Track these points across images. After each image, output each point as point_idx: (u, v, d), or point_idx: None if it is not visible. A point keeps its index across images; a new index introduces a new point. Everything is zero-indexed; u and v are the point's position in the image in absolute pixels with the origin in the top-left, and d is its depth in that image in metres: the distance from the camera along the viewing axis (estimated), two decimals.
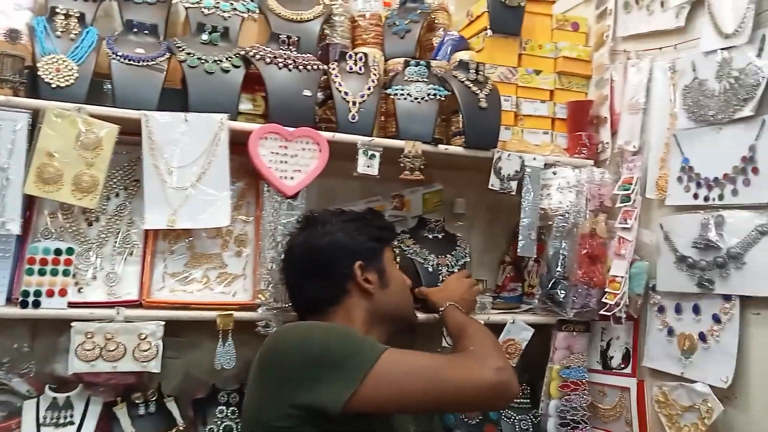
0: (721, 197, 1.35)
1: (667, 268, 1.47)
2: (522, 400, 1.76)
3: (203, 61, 1.47)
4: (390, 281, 1.29)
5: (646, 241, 1.55)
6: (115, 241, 1.45)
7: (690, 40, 1.50)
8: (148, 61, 1.43)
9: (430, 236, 1.70)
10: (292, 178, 1.46)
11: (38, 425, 1.33)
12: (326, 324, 1.20)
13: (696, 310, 1.39)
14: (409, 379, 1.02)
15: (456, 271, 1.61)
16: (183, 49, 1.47)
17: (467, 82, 1.66)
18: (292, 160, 1.47)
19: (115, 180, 1.47)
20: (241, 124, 1.47)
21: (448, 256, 1.65)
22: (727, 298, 1.32)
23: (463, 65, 1.70)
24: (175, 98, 1.47)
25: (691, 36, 1.50)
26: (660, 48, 1.59)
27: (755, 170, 1.28)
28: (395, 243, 1.47)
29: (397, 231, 1.41)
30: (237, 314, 1.42)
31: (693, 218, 1.40)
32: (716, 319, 1.34)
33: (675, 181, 1.47)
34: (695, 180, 1.41)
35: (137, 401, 1.42)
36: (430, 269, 1.60)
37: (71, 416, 1.35)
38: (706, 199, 1.38)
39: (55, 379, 1.42)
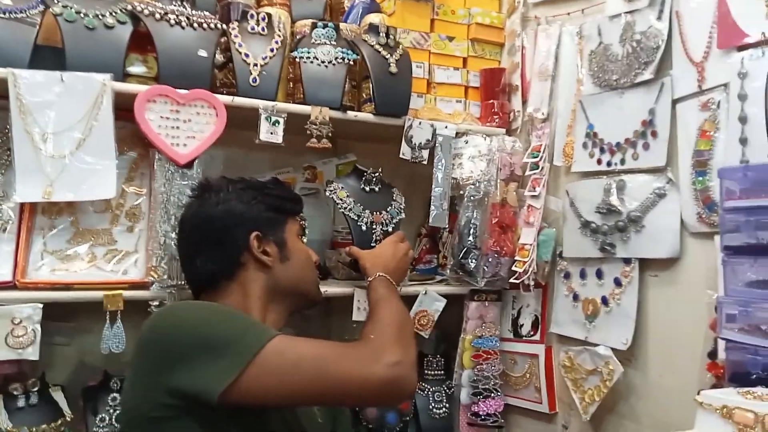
0: (623, 162, 1.36)
1: (573, 234, 1.48)
2: (436, 372, 1.75)
3: (83, 15, 1.32)
4: (291, 255, 1.21)
5: (554, 208, 1.56)
6: None
7: (597, 5, 1.49)
8: (16, 12, 1.28)
9: (367, 188, 1.57)
10: (185, 145, 1.35)
11: None
12: (213, 304, 1.11)
13: (599, 274, 1.41)
14: (294, 370, 0.93)
15: (390, 231, 1.53)
16: (59, 1, 1.32)
17: (377, 47, 1.60)
18: (186, 126, 1.36)
19: None
20: (127, 86, 1.35)
21: (383, 212, 1.54)
22: (627, 261, 1.34)
23: (374, 29, 1.63)
24: (55, 58, 1.33)
25: (598, 0, 1.49)
26: (568, 13, 1.58)
27: (654, 134, 1.29)
28: (302, 216, 1.37)
29: (302, 203, 1.31)
30: (126, 293, 1.31)
31: (597, 183, 1.41)
32: (617, 283, 1.36)
33: (580, 148, 1.47)
34: (599, 145, 1.42)
35: (15, 392, 1.28)
36: (364, 227, 1.51)
37: None
38: (609, 164, 1.39)
39: None
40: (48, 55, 1.33)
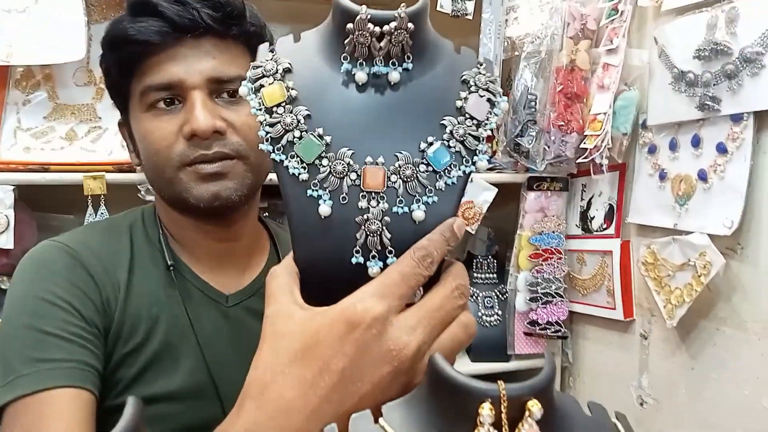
0: None
1: (662, 94, 1.13)
2: (487, 275, 1.50)
3: None
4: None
5: (636, 64, 1.20)
6: None
7: None
8: None
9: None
10: None
11: None
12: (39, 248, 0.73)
13: (696, 142, 1.07)
14: None
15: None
16: None
17: None
18: None
19: None
20: None
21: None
22: (737, 118, 0.99)
23: None
24: None
25: None
26: None
27: None
28: None
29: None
30: (110, 176, 1.13)
31: (697, 20, 1.04)
32: (721, 149, 1.01)
33: None
34: None
35: None
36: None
37: None
38: None
39: None
40: None
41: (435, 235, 0.42)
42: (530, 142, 1.33)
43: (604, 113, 1.23)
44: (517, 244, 1.42)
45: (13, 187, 1.08)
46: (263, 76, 0.45)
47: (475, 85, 0.46)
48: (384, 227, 0.42)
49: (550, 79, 1.33)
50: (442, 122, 0.44)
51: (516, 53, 1.36)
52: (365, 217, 0.42)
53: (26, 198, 1.14)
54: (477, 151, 0.45)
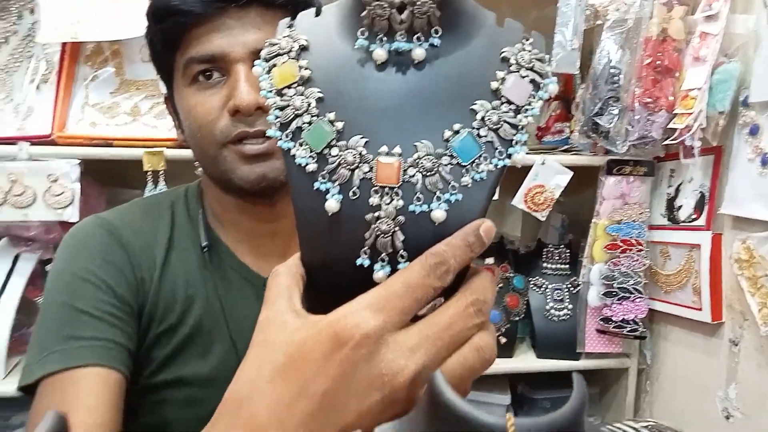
0: None
1: None
2: (558, 265, 1.39)
3: None
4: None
5: (740, 32, 1.05)
6: (27, 67, 1.18)
7: None
8: None
9: None
10: None
11: None
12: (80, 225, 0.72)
13: None
14: None
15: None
16: None
17: None
18: None
19: None
20: None
21: None
22: None
23: None
24: None
25: None
26: None
27: None
28: None
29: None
30: (170, 152, 1.13)
31: None
32: None
33: None
34: None
35: None
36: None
37: None
38: None
39: None
40: None
41: (456, 240, 0.35)
42: (611, 121, 1.20)
43: (699, 89, 1.09)
44: (592, 234, 1.30)
45: (78, 161, 1.10)
46: (277, 55, 0.40)
47: (517, 63, 0.38)
48: (397, 228, 0.36)
49: (637, 50, 1.19)
50: (472, 107, 0.37)
51: (599, 22, 1.23)
52: (376, 215, 0.36)
53: (92, 172, 1.17)
54: (513, 142, 0.37)
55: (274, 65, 0.40)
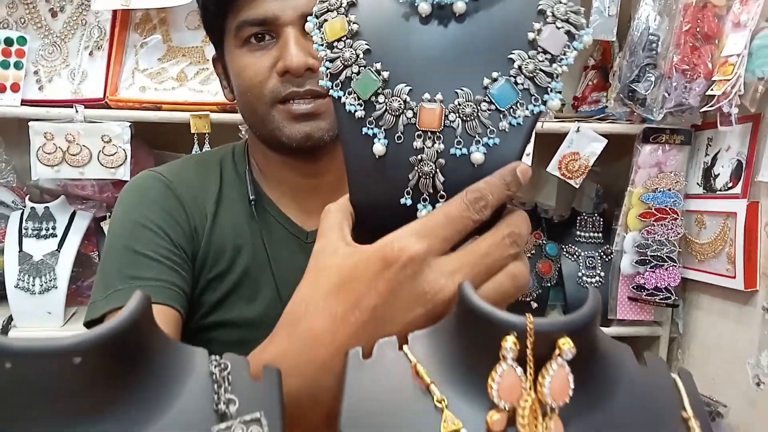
0: None
1: None
2: (591, 233, 1.41)
3: None
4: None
5: None
6: (82, 34, 1.24)
7: None
8: None
9: None
10: None
11: (20, 236, 1.23)
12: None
13: None
14: None
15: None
16: None
17: None
18: None
19: None
20: None
21: None
22: None
23: None
24: None
25: None
26: None
27: None
28: None
29: None
30: (214, 116, 1.18)
31: None
32: None
33: None
34: None
35: None
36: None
37: (53, 228, 1.24)
38: None
39: (46, 191, 1.32)
40: None
41: (494, 179, 0.38)
42: (648, 88, 1.20)
43: (738, 55, 1.08)
44: (627, 202, 1.31)
45: (129, 124, 1.16)
46: (328, 11, 0.43)
47: (553, 15, 0.40)
48: (438, 169, 0.39)
49: (676, 17, 1.18)
50: (510, 56, 0.40)
51: None
52: (419, 157, 0.39)
53: (142, 135, 1.23)
54: (549, 90, 0.40)
55: (325, 20, 0.43)
